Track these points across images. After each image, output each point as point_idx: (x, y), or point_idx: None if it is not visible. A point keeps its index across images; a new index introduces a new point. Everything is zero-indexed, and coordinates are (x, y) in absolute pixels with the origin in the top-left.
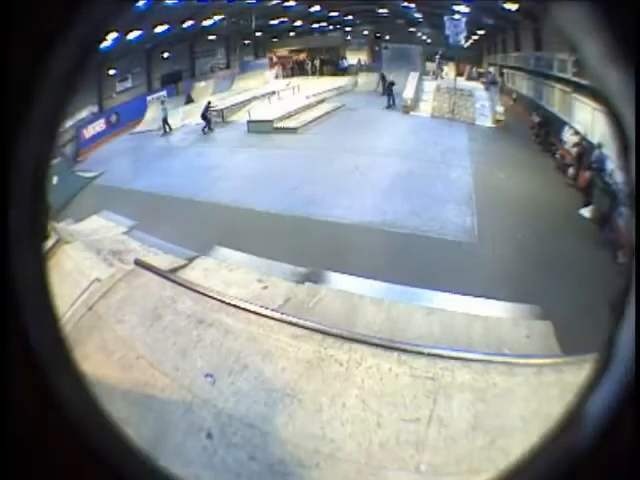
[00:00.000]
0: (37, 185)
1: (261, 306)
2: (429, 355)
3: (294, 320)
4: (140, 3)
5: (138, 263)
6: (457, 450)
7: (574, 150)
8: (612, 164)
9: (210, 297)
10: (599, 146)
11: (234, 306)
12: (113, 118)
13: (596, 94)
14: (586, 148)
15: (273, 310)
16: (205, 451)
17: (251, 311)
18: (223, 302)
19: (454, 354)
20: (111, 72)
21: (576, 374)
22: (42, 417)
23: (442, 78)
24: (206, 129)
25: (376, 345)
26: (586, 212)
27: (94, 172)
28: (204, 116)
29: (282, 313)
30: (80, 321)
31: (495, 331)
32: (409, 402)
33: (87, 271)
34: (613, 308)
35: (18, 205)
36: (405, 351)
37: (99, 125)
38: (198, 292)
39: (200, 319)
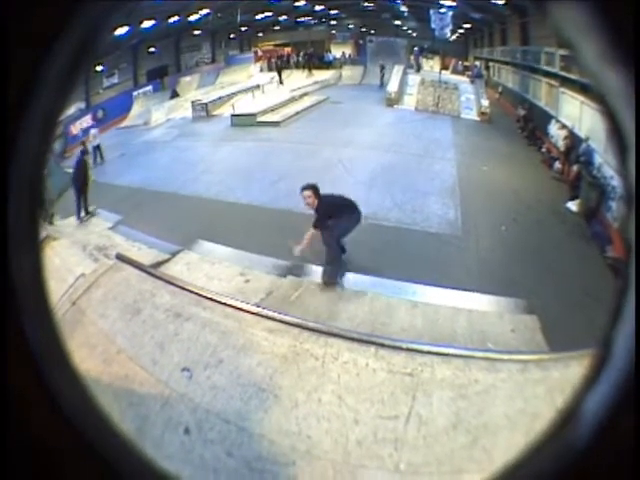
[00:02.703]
0: (34, 183)
1: (237, 300)
2: (408, 350)
3: (270, 314)
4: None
5: (119, 257)
6: (438, 449)
7: (562, 143)
8: (600, 158)
9: (188, 291)
10: (587, 139)
11: (211, 299)
12: (100, 114)
13: (593, 93)
14: (574, 141)
15: (249, 304)
16: (183, 447)
17: (227, 305)
18: (200, 296)
19: (434, 349)
20: (98, 68)
21: (563, 372)
22: (41, 415)
23: (417, 71)
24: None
25: (353, 339)
26: (573, 206)
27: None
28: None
29: (258, 307)
30: (65, 316)
31: (480, 325)
32: (387, 399)
33: (73, 267)
34: (611, 305)
35: (16, 203)
36: (383, 346)
37: (86, 121)
38: (176, 286)
39: (178, 313)
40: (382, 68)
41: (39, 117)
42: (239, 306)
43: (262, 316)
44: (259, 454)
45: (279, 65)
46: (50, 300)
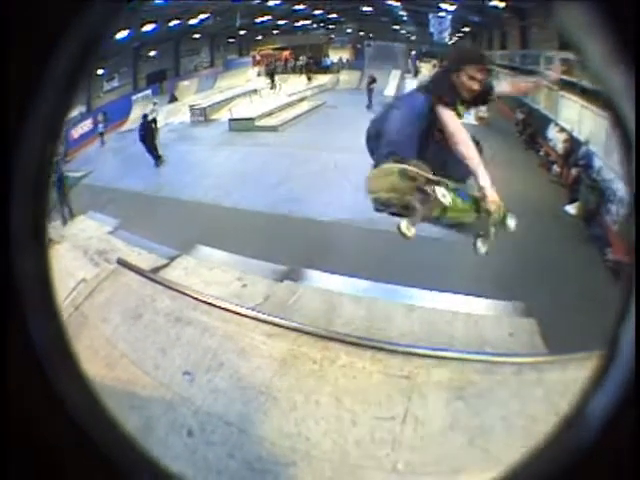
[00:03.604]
0: (39, 185)
1: (236, 304)
2: (404, 353)
3: (268, 318)
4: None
5: (120, 262)
6: (435, 449)
7: (561, 147)
8: (599, 161)
9: (187, 295)
10: (586, 143)
11: (210, 304)
12: (100, 117)
13: (598, 94)
14: (574, 145)
15: (248, 308)
16: (187, 448)
17: (226, 309)
18: (200, 300)
19: (430, 352)
20: (99, 71)
21: (560, 374)
22: (45, 415)
23: (415, 75)
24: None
25: (350, 343)
26: (572, 209)
27: (82, 172)
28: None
29: (257, 311)
30: (68, 320)
31: (477, 329)
32: (383, 400)
33: (75, 271)
34: (616, 307)
35: (21, 204)
36: (379, 349)
37: (86, 125)
38: (176, 290)
39: (178, 317)
40: (371, 82)
41: (43, 118)
42: (238, 310)
43: (261, 320)
44: (260, 455)
45: (272, 69)
46: (56, 300)
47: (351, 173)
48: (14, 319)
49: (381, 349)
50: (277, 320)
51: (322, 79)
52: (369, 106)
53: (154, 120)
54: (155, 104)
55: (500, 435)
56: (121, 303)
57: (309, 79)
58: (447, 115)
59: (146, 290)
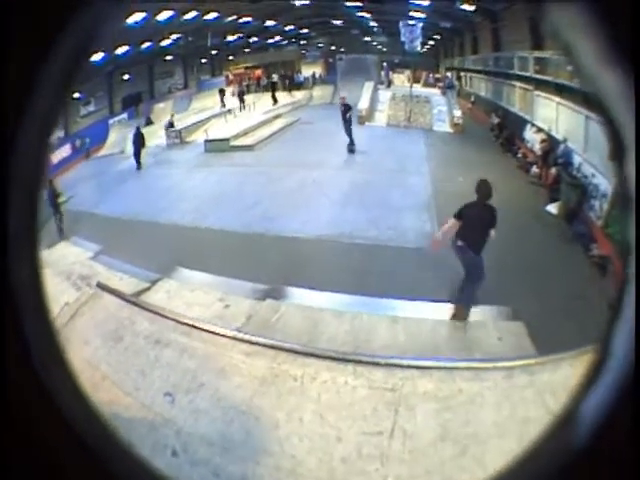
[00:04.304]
0: (34, 184)
1: (214, 324)
2: (387, 365)
3: (246, 337)
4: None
5: (100, 286)
6: (426, 461)
7: (539, 147)
8: (579, 157)
9: (165, 317)
10: (564, 140)
11: (188, 325)
12: (77, 143)
13: (590, 97)
14: (552, 144)
15: (225, 328)
16: (172, 468)
17: (204, 329)
18: (178, 322)
19: (413, 363)
20: (75, 95)
21: (551, 374)
22: (40, 416)
23: (388, 87)
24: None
25: (331, 358)
26: (553, 208)
27: (63, 197)
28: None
29: (235, 330)
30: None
31: (464, 335)
32: (369, 415)
33: (59, 296)
34: (610, 306)
35: (16, 205)
36: (361, 362)
37: (65, 150)
38: (154, 312)
39: (157, 339)
40: (345, 110)
41: (38, 117)
42: (215, 330)
43: (239, 339)
44: (245, 474)
45: (241, 91)
46: (48, 302)
47: (328, 188)
48: (11, 324)
49: (363, 362)
50: (255, 338)
51: (296, 95)
52: (351, 148)
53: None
54: (172, 116)
55: (493, 443)
56: (101, 326)
57: (290, 91)
58: None
59: (124, 312)
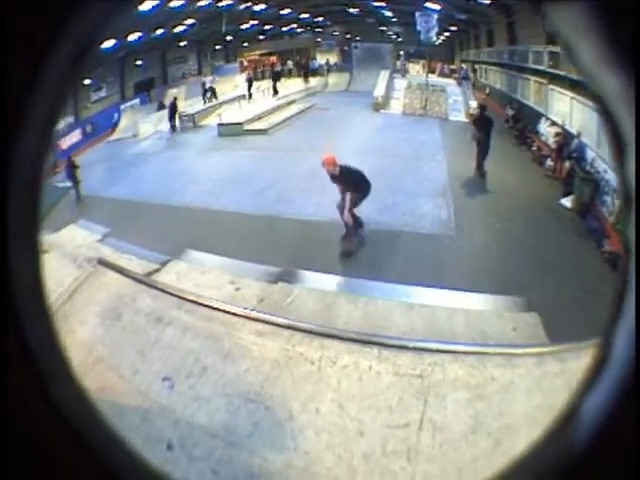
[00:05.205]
0: (34, 183)
1: (221, 301)
2: (415, 349)
3: (258, 316)
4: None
5: (101, 263)
6: (457, 457)
7: (553, 141)
8: (592, 152)
9: (169, 293)
10: (578, 135)
11: (194, 302)
12: (88, 128)
13: (591, 94)
14: (566, 138)
15: (234, 305)
16: (166, 464)
17: (211, 307)
18: (183, 298)
19: (443, 347)
20: (86, 82)
21: (579, 362)
22: (40, 416)
23: (404, 76)
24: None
25: (352, 340)
26: (567, 202)
27: (79, 170)
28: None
29: (245, 308)
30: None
31: (480, 325)
32: (395, 405)
33: (64, 279)
34: (611, 303)
35: (16, 203)
36: (386, 346)
37: (75, 136)
38: (157, 289)
39: (159, 317)
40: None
41: (39, 117)
42: (223, 308)
43: (249, 318)
44: (250, 472)
45: (250, 78)
46: (48, 301)
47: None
48: (11, 324)
49: (388, 345)
50: (268, 317)
51: (311, 82)
52: None
53: (211, 89)
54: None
55: (528, 435)
56: (100, 304)
57: (306, 78)
58: None
59: (126, 290)
